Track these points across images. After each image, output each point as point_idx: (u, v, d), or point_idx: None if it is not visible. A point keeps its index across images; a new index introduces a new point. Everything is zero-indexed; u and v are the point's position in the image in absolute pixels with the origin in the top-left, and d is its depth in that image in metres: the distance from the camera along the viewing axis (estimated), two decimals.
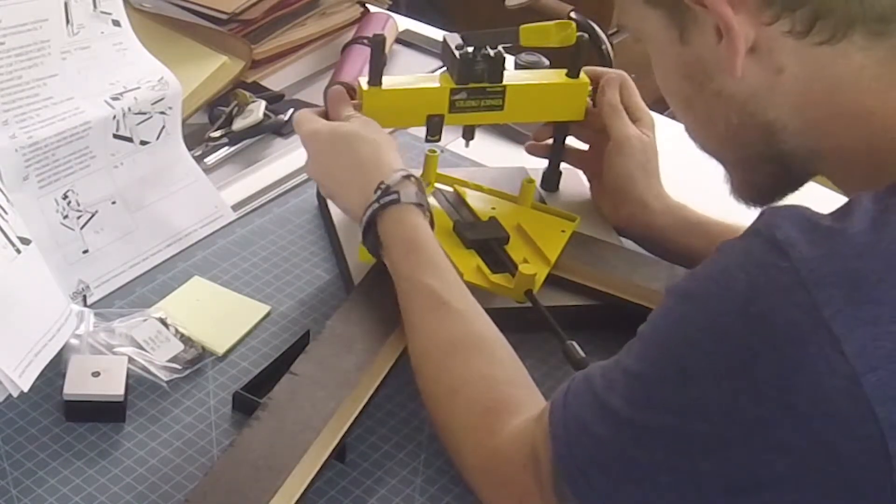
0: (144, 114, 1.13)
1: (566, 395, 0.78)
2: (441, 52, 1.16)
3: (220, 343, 1.02)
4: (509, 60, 1.14)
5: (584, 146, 1.21)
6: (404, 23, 1.61)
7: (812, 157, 0.78)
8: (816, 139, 0.77)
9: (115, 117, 1.10)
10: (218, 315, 1.05)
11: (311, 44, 1.51)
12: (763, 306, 0.66)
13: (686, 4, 0.75)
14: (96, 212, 1.10)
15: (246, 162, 1.29)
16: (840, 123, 0.75)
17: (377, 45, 1.09)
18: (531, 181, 1.17)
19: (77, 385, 0.93)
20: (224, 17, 1.39)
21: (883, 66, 0.73)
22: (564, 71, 1.16)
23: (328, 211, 1.17)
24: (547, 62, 1.32)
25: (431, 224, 1.00)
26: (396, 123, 1.17)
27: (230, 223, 1.18)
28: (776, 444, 0.66)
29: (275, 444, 0.84)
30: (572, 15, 1.23)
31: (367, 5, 1.57)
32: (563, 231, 1.12)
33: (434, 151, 1.16)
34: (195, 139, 1.27)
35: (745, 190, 0.85)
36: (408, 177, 0.99)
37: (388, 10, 1.58)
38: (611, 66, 1.22)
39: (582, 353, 0.97)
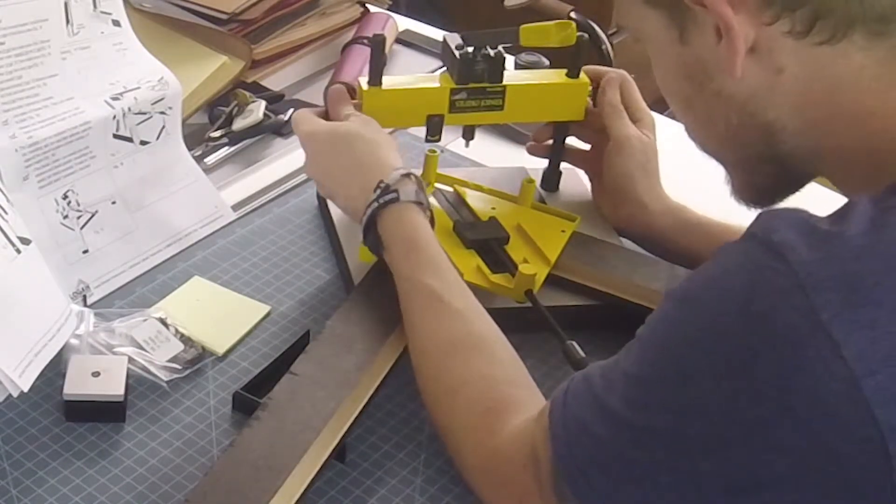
0: (144, 114, 1.13)
1: (566, 394, 0.78)
2: (441, 52, 1.16)
3: (220, 343, 1.02)
4: (509, 60, 1.15)
5: (586, 146, 1.21)
6: (404, 23, 1.61)
7: (812, 158, 0.78)
8: (816, 139, 0.77)
9: (115, 117, 1.10)
10: (218, 315, 1.05)
11: (311, 44, 1.51)
12: (762, 307, 0.66)
13: (686, 4, 0.75)
14: (96, 212, 1.10)
15: (246, 162, 1.29)
16: (840, 123, 0.75)
17: (377, 45, 1.10)
18: (531, 181, 1.17)
19: (77, 385, 0.93)
20: (224, 17, 1.39)
21: (883, 66, 0.73)
22: (564, 71, 1.16)
23: (328, 211, 1.17)
24: (547, 62, 1.32)
25: (432, 222, 1.00)
26: (396, 123, 1.17)
27: (230, 223, 1.18)
28: (776, 444, 0.66)
29: (275, 444, 0.84)
30: (572, 15, 1.24)
31: (367, 5, 1.57)
32: (563, 231, 1.12)
33: (434, 151, 1.16)
34: (195, 139, 1.27)
35: (746, 191, 0.85)
36: (407, 175, 0.99)
37: (388, 10, 1.58)
38: (611, 66, 1.22)
39: (582, 353, 0.97)
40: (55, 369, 0.95)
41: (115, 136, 1.11)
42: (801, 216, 0.68)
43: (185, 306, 1.06)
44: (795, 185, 0.83)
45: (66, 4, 1.08)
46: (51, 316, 0.95)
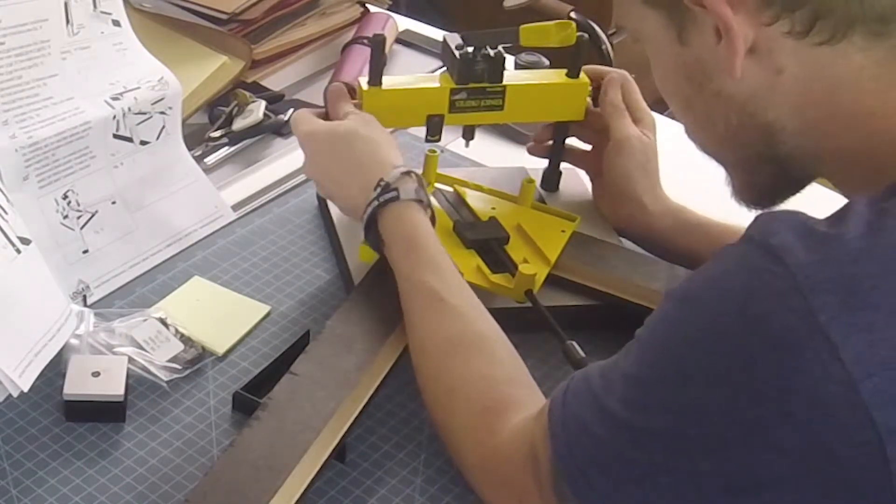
0: (144, 114, 1.13)
1: (565, 394, 0.78)
2: (441, 52, 1.16)
3: (220, 343, 1.02)
4: (509, 60, 1.14)
5: (587, 146, 1.21)
6: (404, 23, 1.61)
7: (812, 158, 0.78)
8: (816, 140, 0.77)
9: (115, 117, 1.10)
10: (218, 315, 1.05)
11: (311, 44, 1.51)
12: (760, 310, 0.66)
13: (685, 5, 0.75)
14: (96, 212, 1.10)
15: (246, 162, 1.29)
16: (839, 124, 0.75)
17: (377, 45, 1.10)
18: (531, 181, 1.17)
19: (77, 385, 0.93)
20: (224, 17, 1.39)
21: (882, 67, 0.73)
22: (564, 71, 1.16)
23: (328, 211, 1.17)
24: (547, 62, 1.32)
25: (433, 220, 1.00)
26: (396, 123, 1.17)
27: (230, 223, 1.18)
28: (775, 444, 0.66)
29: (275, 444, 0.84)
30: (572, 15, 1.23)
31: (367, 5, 1.57)
32: (563, 231, 1.12)
33: (434, 151, 1.16)
34: (195, 139, 1.27)
35: (746, 192, 0.84)
36: (407, 173, 0.99)
37: (388, 10, 1.58)
38: (611, 66, 1.22)
39: (582, 353, 0.97)
40: (55, 369, 0.95)
41: (115, 136, 1.11)
42: (798, 218, 0.68)
43: (185, 306, 1.06)
44: (796, 187, 0.83)
45: (66, 4, 1.08)
46: (51, 316, 0.95)
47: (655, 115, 1.19)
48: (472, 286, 0.97)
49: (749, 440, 0.67)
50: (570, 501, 0.76)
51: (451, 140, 1.28)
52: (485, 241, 1.09)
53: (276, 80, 1.45)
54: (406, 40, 1.58)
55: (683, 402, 0.69)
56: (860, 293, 0.64)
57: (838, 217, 0.68)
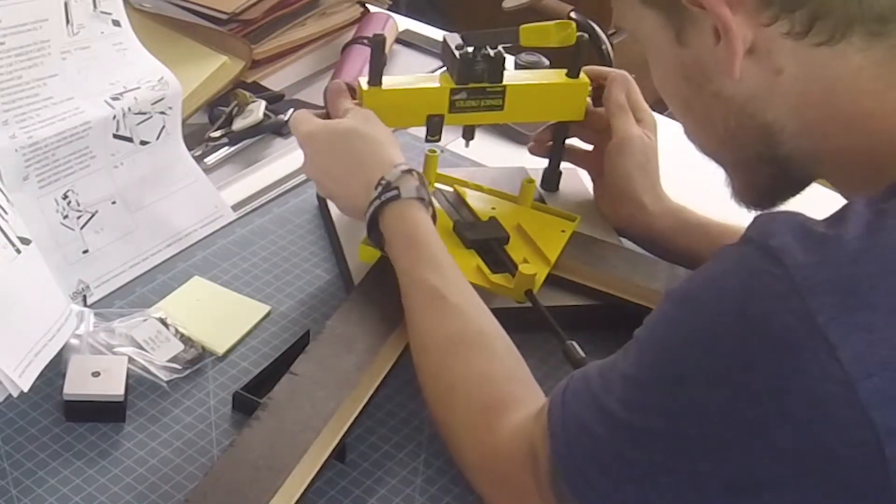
0: (144, 114, 1.13)
1: (564, 393, 0.78)
2: (441, 52, 1.16)
3: (220, 343, 1.02)
4: (509, 60, 1.14)
5: (589, 146, 1.21)
6: (404, 23, 1.61)
7: (811, 159, 0.78)
8: (815, 140, 0.77)
9: (115, 117, 1.10)
10: (218, 315, 1.05)
11: (311, 44, 1.51)
12: (759, 311, 0.66)
13: (683, 5, 0.75)
14: (96, 212, 1.10)
15: (246, 162, 1.29)
16: (838, 124, 0.75)
17: (377, 45, 1.10)
18: (531, 181, 1.17)
19: (77, 385, 0.94)
20: (224, 17, 1.39)
21: (881, 67, 0.73)
22: (564, 71, 1.16)
23: (328, 211, 1.17)
24: (547, 62, 1.32)
25: (434, 218, 1.00)
26: (396, 123, 1.16)
27: (230, 223, 1.18)
28: (775, 445, 0.66)
29: (275, 444, 0.84)
30: (572, 15, 1.23)
31: (367, 5, 1.57)
32: (563, 231, 1.12)
33: (434, 151, 1.16)
34: (195, 139, 1.27)
35: (746, 193, 0.84)
36: (408, 171, 0.99)
37: (388, 10, 1.58)
38: (611, 66, 1.22)
39: (582, 353, 0.97)
40: (55, 369, 0.95)
41: (115, 136, 1.11)
42: (797, 219, 0.68)
43: (185, 306, 1.06)
44: (795, 188, 0.83)
45: (66, 4, 1.08)
46: (51, 316, 0.95)
47: (655, 115, 1.19)
48: (472, 286, 0.97)
49: (748, 440, 0.67)
50: (569, 501, 0.76)
51: (451, 140, 1.28)
52: (485, 241, 1.09)
53: (276, 80, 1.45)
54: (406, 40, 1.58)
55: (683, 402, 0.69)
56: (859, 293, 0.64)
57: (837, 218, 0.68)
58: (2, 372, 0.89)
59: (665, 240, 1.13)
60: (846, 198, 0.75)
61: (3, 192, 0.98)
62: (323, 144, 1.05)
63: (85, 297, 1.06)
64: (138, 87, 1.13)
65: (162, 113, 1.14)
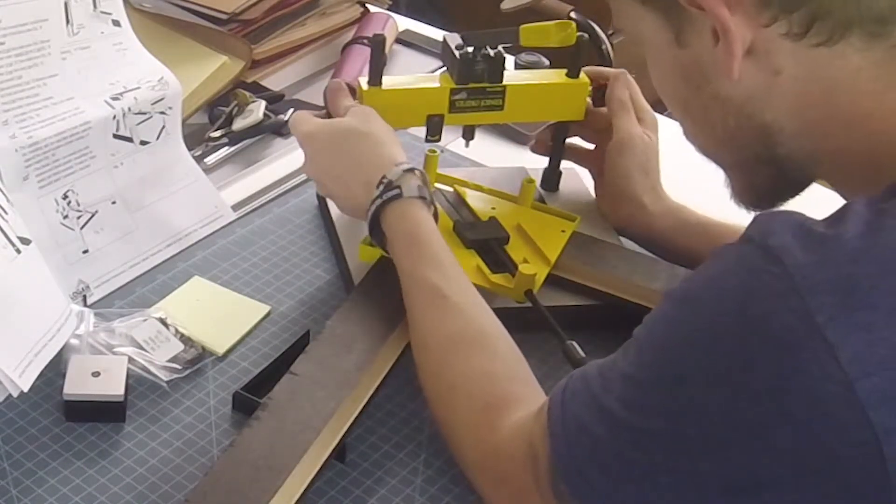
0: (144, 114, 1.13)
1: (563, 392, 0.78)
2: (441, 52, 1.16)
3: (220, 343, 1.02)
4: (509, 60, 1.14)
5: (591, 146, 1.21)
6: (404, 23, 1.61)
7: (810, 160, 0.78)
8: (814, 141, 0.77)
9: (115, 117, 1.10)
10: (218, 315, 1.05)
11: (311, 44, 1.51)
12: (759, 311, 0.66)
13: (682, 6, 0.75)
14: (96, 212, 1.10)
15: (246, 162, 1.30)
16: (837, 125, 0.75)
17: (377, 45, 1.10)
18: (531, 181, 1.17)
19: (77, 385, 0.94)
20: (224, 17, 1.39)
21: (880, 68, 0.73)
22: (564, 71, 1.16)
23: (328, 211, 1.17)
24: (547, 62, 1.32)
25: (436, 217, 1.00)
26: (396, 123, 1.16)
27: (230, 223, 1.18)
28: (775, 445, 0.66)
29: (275, 444, 0.84)
30: (572, 15, 1.23)
31: (367, 5, 1.57)
32: (563, 231, 1.12)
33: (434, 151, 1.16)
34: (195, 139, 1.27)
35: (745, 194, 0.84)
36: (410, 170, 0.99)
37: (388, 10, 1.58)
38: (611, 66, 1.22)
39: (582, 353, 0.97)
40: (55, 369, 0.95)
41: (115, 136, 1.11)
42: (797, 219, 0.68)
43: (185, 306, 1.06)
44: (795, 189, 0.83)
45: (66, 4, 1.08)
46: (51, 316, 0.95)
47: (655, 115, 1.19)
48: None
49: (748, 440, 0.67)
50: (569, 500, 0.76)
51: (451, 140, 1.28)
52: (485, 241, 1.09)
53: (276, 80, 1.45)
54: (406, 40, 1.58)
55: (682, 402, 0.69)
56: (858, 293, 0.64)
57: (837, 218, 0.68)
58: (2, 372, 0.89)
59: (665, 239, 1.13)
60: (846, 198, 0.75)
61: (3, 192, 0.98)
62: (323, 144, 1.05)
63: (85, 297, 1.06)
64: (138, 87, 1.13)
65: (162, 113, 1.15)
